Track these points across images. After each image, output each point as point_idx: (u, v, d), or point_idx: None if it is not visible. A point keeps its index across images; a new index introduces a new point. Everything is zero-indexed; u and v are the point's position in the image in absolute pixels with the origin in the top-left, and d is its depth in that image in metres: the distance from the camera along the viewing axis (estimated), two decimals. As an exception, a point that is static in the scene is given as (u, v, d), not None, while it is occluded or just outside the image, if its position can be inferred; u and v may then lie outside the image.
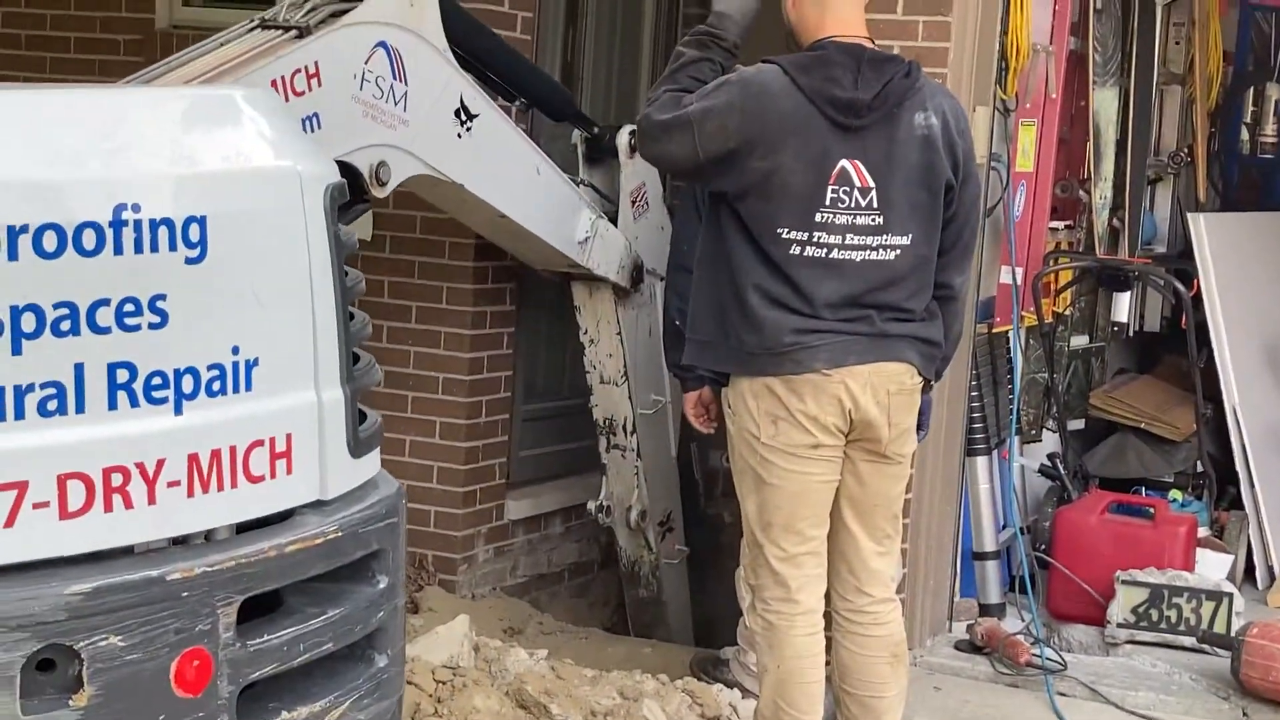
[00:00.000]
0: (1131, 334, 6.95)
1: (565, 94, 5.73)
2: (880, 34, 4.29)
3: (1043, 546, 5.90)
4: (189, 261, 2.32)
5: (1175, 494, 6.22)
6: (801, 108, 3.83)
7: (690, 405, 4.53)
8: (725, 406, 4.15)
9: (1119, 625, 5.54)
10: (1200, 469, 6.36)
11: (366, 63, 4.64)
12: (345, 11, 4.66)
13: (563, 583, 6.58)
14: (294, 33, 4.48)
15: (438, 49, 4.91)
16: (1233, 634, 5.27)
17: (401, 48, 4.75)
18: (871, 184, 3.85)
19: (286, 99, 3.92)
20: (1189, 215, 6.78)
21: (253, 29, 4.58)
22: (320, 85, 4.61)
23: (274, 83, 4.47)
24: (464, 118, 4.85)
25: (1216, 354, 6.31)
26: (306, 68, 4.50)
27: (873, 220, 3.88)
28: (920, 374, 3.99)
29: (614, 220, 5.43)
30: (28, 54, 6.37)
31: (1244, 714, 5.06)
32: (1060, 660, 5.27)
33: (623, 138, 5.38)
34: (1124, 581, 5.56)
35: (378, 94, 4.70)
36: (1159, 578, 5.55)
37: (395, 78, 4.73)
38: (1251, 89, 7.48)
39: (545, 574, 6.55)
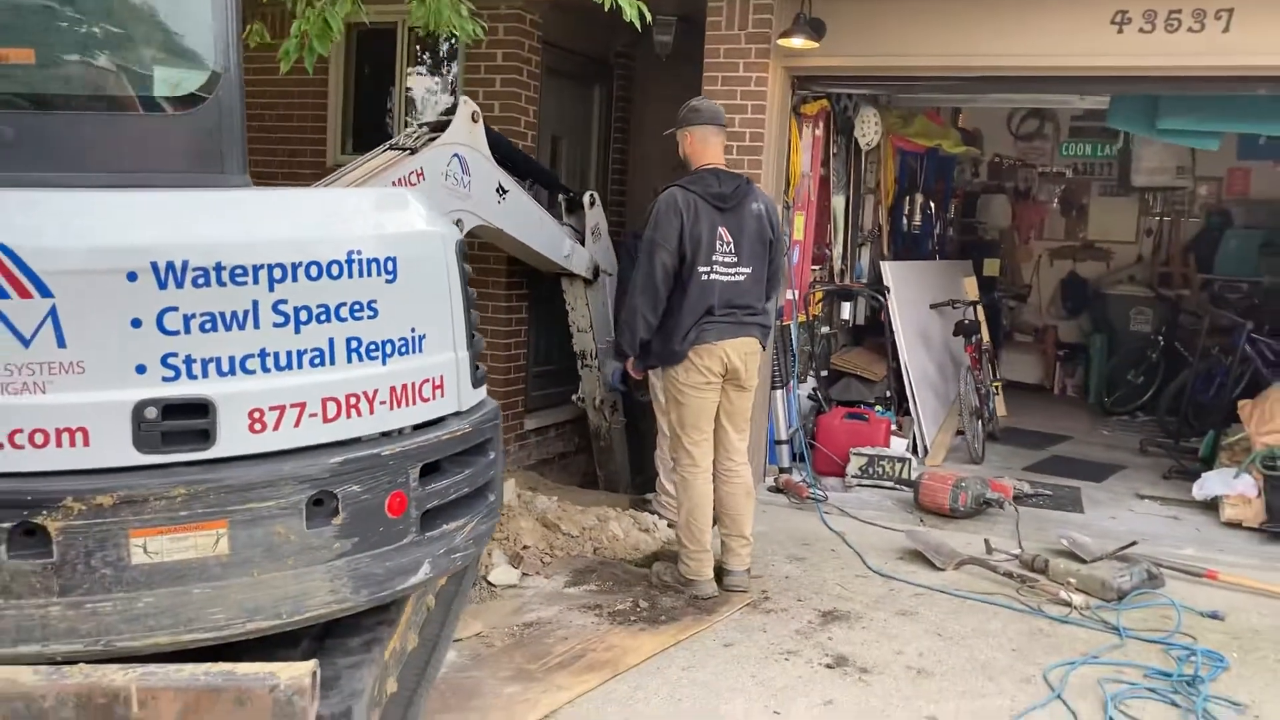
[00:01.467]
0: (851, 325, 9.04)
1: (553, 175, 7.46)
2: (729, 164, 5.47)
3: (810, 436, 7.75)
4: (387, 282, 3.17)
5: (878, 408, 8.06)
6: (696, 201, 5.09)
7: (631, 368, 5.57)
8: (656, 371, 5.53)
9: (852, 476, 7.42)
10: (889, 394, 8.38)
11: (448, 165, 6.04)
12: (435, 137, 6.05)
13: (556, 463, 8.31)
14: (408, 151, 5.85)
15: (485, 155, 6.23)
16: (913, 479, 7.06)
17: (466, 156, 6.06)
18: (732, 240, 5.15)
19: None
20: (881, 262, 8.93)
21: (385, 150, 5.87)
22: (424, 179, 5.98)
23: (397, 181, 5.82)
24: (501, 192, 6.22)
25: (896, 334, 8.39)
26: (416, 170, 5.84)
27: (733, 260, 5.16)
28: (761, 344, 5.31)
29: (582, 243, 7.12)
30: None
31: (921, 521, 6.66)
32: (824, 495, 7.03)
33: (585, 198, 7.15)
34: (854, 453, 7.49)
35: (455, 182, 6.05)
36: (872, 451, 7.46)
37: (463, 172, 6.10)
38: (906, 196, 9.91)
39: (547, 459, 8.21)
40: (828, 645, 4.81)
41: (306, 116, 7.76)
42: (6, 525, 2.73)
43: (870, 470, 7.39)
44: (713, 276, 5.12)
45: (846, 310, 8.60)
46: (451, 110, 6.34)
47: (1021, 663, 4.68)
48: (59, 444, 2.80)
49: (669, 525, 6.24)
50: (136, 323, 2.83)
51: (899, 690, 4.41)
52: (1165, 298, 11.09)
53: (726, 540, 5.40)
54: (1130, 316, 11.23)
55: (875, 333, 9.05)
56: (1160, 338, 10.56)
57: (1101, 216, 12.65)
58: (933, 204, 10.41)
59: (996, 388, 9.48)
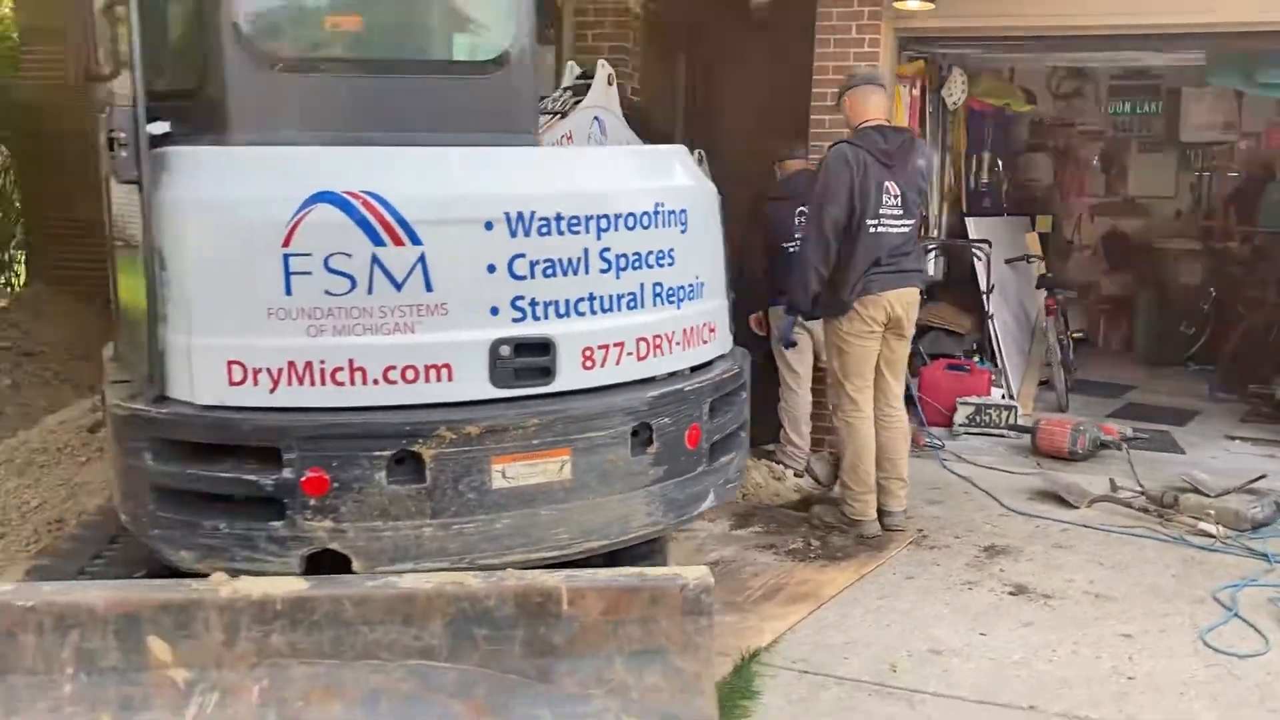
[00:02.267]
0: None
1: (666, 131, 7.53)
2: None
3: (917, 388, 7.85)
4: (681, 232, 3.48)
5: (976, 359, 8.29)
6: (864, 157, 5.31)
7: (755, 323, 6.09)
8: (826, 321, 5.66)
9: (960, 425, 7.68)
10: (974, 347, 8.57)
11: (590, 128, 6.36)
12: (579, 100, 6.38)
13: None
14: (558, 115, 6.18)
15: (618, 117, 6.58)
16: (1019, 425, 7.44)
17: (604, 118, 6.41)
18: (898, 193, 5.38)
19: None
20: (966, 218, 9.20)
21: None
22: (572, 142, 6.31)
23: (554, 143, 6.15)
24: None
25: (989, 287, 8.63)
26: (566, 134, 6.16)
27: (898, 212, 5.40)
28: (921, 293, 5.61)
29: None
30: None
31: (1038, 464, 6.91)
32: (940, 443, 7.30)
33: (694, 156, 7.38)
34: (961, 402, 7.74)
35: (595, 144, 6.43)
36: (978, 400, 7.74)
37: (601, 134, 6.43)
38: (974, 154, 10.07)
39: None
40: (1001, 576, 5.16)
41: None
42: (386, 453, 3.02)
43: (977, 419, 7.74)
44: (880, 229, 5.40)
45: (931, 265, 8.92)
46: (585, 75, 6.60)
47: (1187, 587, 5.05)
48: (427, 379, 3.10)
49: (795, 475, 6.56)
50: (491, 268, 3.13)
51: (1085, 613, 4.77)
52: (1214, 250, 11.49)
53: (885, 483, 5.74)
54: (1181, 269, 11.61)
55: (947, 288, 9.35)
56: (1212, 289, 10.94)
57: (1141, 173, 13.00)
58: (1000, 162, 10.74)
59: (1074, 339, 9.86)
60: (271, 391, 3.06)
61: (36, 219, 9.37)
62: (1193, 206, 12.57)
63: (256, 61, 3.20)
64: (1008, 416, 7.42)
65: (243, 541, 3.05)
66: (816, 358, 6.55)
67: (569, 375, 3.25)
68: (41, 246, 9.20)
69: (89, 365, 7.76)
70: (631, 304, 3.38)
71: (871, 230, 5.30)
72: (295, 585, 2.63)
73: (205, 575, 2.96)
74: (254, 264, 3.03)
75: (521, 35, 3.51)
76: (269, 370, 3.05)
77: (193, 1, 3.28)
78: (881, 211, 5.31)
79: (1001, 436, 7.52)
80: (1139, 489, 6.20)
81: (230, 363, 3.07)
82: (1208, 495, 5.93)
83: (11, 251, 9.73)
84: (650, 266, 3.42)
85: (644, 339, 3.44)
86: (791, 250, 6.20)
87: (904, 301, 5.39)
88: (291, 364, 3.04)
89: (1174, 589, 4.92)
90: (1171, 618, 4.64)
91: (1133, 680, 4.15)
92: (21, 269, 9.52)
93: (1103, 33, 6.73)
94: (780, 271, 6.27)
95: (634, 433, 3.38)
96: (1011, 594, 4.87)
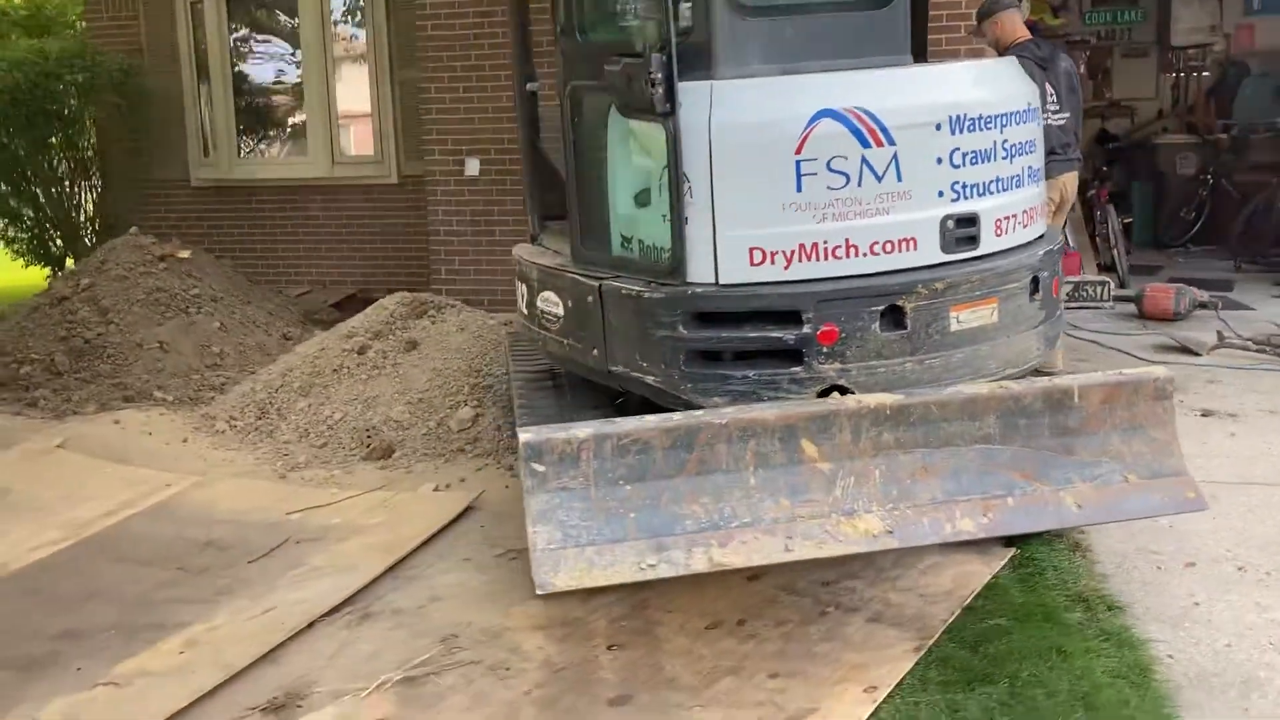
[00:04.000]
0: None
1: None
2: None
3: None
4: (1036, 125, 4.45)
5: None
6: (1028, 64, 6.48)
7: None
8: None
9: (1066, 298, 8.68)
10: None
11: None
12: None
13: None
14: None
15: None
16: (1131, 294, 8.59)
17: None
18: (1054, 91, 6.43)
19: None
20: None
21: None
22: None
23: None
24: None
25: None
26: None
27: (1056, 107, 6.48)
28: (1079, 175, 6.74)
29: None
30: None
31: (1144, 325, 8.13)
32: None
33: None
34: (1062, 280, 8.87)
35: None
36: (1075, 278, 8.76)
37: None
38: None
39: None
40: (1183, 404, 6.35)
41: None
42: (879, 308, 4.02)
43: (1077, 294, 8.97)
44: (1047, 123, 6.49)
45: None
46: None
47: (1329, 396, 6.30)
48: (900, 250, 4.09)
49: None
50: (939, 160, 4.11)
51: (1271, 425, 5.98)
52: (1208, 142, 12.88)
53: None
54: (1176, 161, 13.00)
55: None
56: (1209, 176, 12.34)
57: (1124, 77, 14.35)
58: (1029, 72, 11.97)
59: (1125, 225, 11.11)
60: (785, 268, 4.01)
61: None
62: (1174, 105, 13.95)
63: (735, 9, 4.10)
64: (1102, 290, 8.63)
65: (769, 385, 4.01)
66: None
67: (988, 241, 4.24)
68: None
69: (280, 309, 8.49)
70: (1018, 183, 4.36)
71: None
72: (894, 397, 3.63)
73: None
74: (772, 169, 3.96)
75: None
76: (784, 252, 4.00)
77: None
78: (1046, 107, 6.36)
79: (1097, 308, 8.72)
80: (1240, 336, 7.44)
81: (751, 249, 4.00)
82: (1300, 332, 7.19)
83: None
84: (1025, 154, 4.41)
85: (1025, 210, 4.43)
86: None
87: (1070, 182, 6.49)
88: (801, 246, 4.00)
89: (1321, 399, 6.15)
90: (1332, 417, 5.86)
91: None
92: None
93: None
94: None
95: (1032, 283, 4.34)
96: (1203, 415, 6.03)
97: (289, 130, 10.63)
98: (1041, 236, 4.53)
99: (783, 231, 3.98)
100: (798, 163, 3.95)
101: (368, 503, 5.35)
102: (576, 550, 3.32)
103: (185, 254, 8.10)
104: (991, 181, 4.22)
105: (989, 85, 4.29)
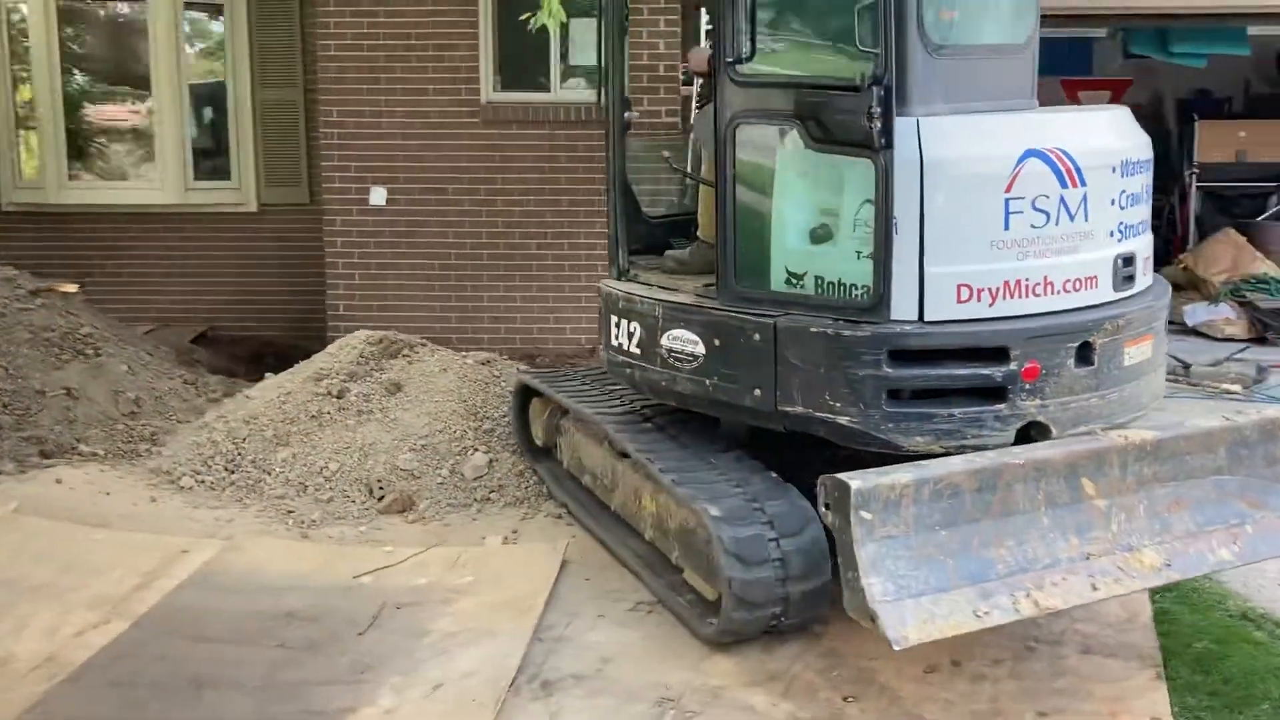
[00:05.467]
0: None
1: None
2: None
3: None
4: (1146, 175, 4.88)
5: None
6: None
7: None
8: None
9: None
10: None
11: None
12: None
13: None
14: None
15: None
16: None
17: None
18: None
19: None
20: None
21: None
22: None
23: None
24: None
25: None
26: None
27: None
28: None
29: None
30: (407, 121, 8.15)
31: None
32: None
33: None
34: None
35: None
36: None
37: None
38: None
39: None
40: None
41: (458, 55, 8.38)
42: (1074, 344, 4.15)
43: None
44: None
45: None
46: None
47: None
48: (1086, 288, 4.24)
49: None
50: (1113, 201, 4.30)
51: None
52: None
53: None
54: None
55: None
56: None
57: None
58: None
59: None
60: (990, 305, 4.05)
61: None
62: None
63: (926, 47, 4.13)
64: None
65: (973, 423, 4.03)
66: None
67: (1140, 280, 4.45)
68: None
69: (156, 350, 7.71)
70: (1144, 228, 4.60)
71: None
72: (1151, 433, 3.73)
73: (918, 456, 3.85)
74: (983, 207, 4.00)
75: (1036, 22, 4.59)
76: (989, 289, 4.04)
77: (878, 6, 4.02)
78: None
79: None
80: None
81: (959, 285, 4.03)
82: None
83: None
84: (1145, 201, 4.64)
85: (1146, 257, 4.64)
86: None
87: None
88: (1006, 283, 4.06)
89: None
90: None
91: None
92: None
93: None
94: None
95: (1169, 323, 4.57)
96: None
97: (134, 152, 9.62)
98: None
99: (990, 269, 4.02)
100: (1007, 200, 4.00)
101: (439, 561, 4.93)
102: (913, 601, 3.20)
103: (71, 289, 7.17)
104: (1140, 223, 4.43)
105: (1136, 132, 4.48)
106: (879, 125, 3.86)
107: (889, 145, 3.90)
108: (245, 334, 9.55)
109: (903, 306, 4.02)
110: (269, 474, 5.81)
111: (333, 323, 8.36)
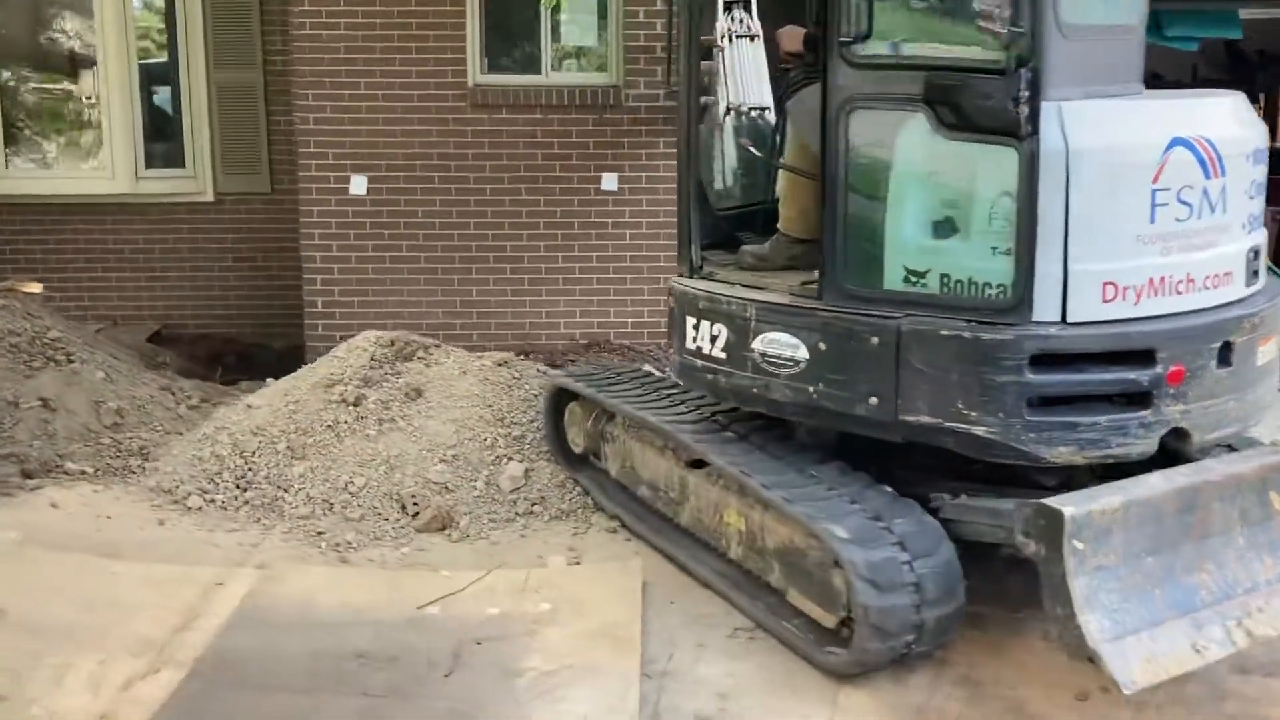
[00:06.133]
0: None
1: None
2: None
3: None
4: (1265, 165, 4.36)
5: None
6: None
7: None
8: None
9: None
10: None
11: None
12: None
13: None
14: None
15: None
16: None
17: None
18: None
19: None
20: None
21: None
22: None
23: None
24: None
25: None
26: None
27: None
28: None
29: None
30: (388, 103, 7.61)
31: None
32: None
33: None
34: None
35: None
36: None
37: None
38: None
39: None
40: None
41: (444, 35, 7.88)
42: (1216, 345, 3.92)
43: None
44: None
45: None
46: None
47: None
48: (1222, 284, 4.00)
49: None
50: (1247, 192, 4.07)
51: None
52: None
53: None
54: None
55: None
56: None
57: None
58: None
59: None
60: (1135, 304, 3.79)
61: None
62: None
63: (1060, 29, 3.82)
64: None
65: (1117, 430, 3.77)
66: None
67: (1252, 277, 4.22)
68: None
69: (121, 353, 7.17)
70: (1257, 223, 4.37)
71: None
72: None
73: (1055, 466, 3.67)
74: (1130, 199, 3.72)
75: (1147, 2, 4.31)
76: (1134, 287, 3.77)
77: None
78: None
79: None
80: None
81: (1105, 283, 3.75)
82: None
83: None
84: (1260, 195, 4.40)
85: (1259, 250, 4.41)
86: None
87: None
88: (1150, 280, 3.79)
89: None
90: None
91: None
92: None
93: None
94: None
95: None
96: None
97: (79, 140, 8.90)
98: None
99: (1135, 265, 3.75)
100: (1153, 192, 3.73)
101: (506, 585, 4.53)
102: (1133, 639, 2.91)
103: (35, 288, 6.54)
104: (1254, 216, 4.20)
105: (1256, 119, 4.25)
106: (1026, 111, 3.53)
107: (1035, 133, 3.57)
108: (202, 332, 8.93)
109: (1045, 307, 3.73)
110: (287, 491, 5.30)
111: (310, 320, 7.83)
